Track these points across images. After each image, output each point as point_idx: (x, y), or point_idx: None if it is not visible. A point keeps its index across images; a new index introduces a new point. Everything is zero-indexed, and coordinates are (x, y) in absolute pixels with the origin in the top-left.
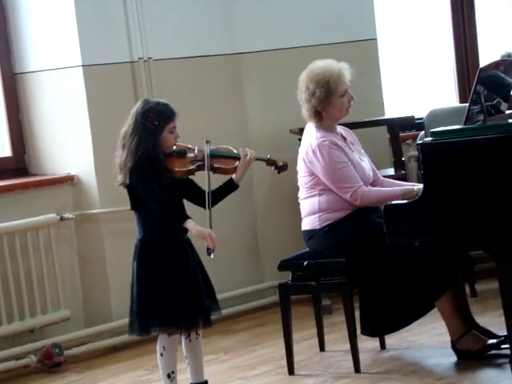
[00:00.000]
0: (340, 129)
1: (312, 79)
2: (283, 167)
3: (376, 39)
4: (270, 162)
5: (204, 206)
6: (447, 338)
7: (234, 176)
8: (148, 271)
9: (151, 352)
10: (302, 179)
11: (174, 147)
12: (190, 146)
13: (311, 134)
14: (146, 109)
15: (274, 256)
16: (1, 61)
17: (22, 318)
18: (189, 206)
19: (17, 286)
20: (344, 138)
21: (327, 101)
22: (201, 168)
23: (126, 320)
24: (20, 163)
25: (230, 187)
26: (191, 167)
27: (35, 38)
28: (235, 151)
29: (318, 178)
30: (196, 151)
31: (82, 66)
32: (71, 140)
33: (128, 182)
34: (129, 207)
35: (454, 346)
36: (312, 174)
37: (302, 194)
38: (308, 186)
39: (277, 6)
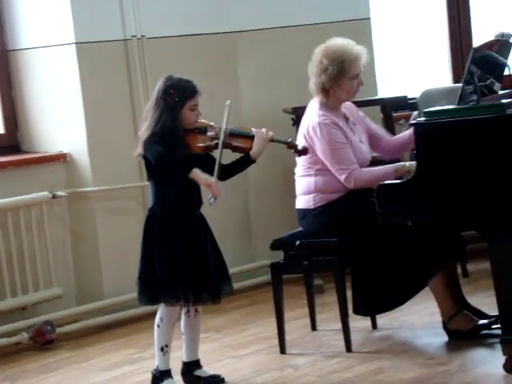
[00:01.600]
0: (343, 108)
1: (328, 55)
2: (304, 151)
3: (369, 18)
4: (290, 146)
5: (220, 179)
6: (438, 318)
7: (251, 151)
8: (153, 240)
9: (143, 330)
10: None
11: (196, 124)
12: (212, 123)
13: (313, 112)
14: (167, 85)
15: (266, 235)
16: None
17: (14, 295)
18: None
19: (9, 263)
20: (346, 119)
21: (337, 80)
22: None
23: (118, 298)
24: (12, 140)
25: (245, 161)
26: (209, 144)
27: (28, 15)
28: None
29: (317, 157)
30: (217, 129)
31: (76, 43)
32: (64, 118)
33: (142, 152)
34: (121, 185)
35: (445, 326)
36: (311, 152)
37: (298, 171)
38: (305, 164)
39: None
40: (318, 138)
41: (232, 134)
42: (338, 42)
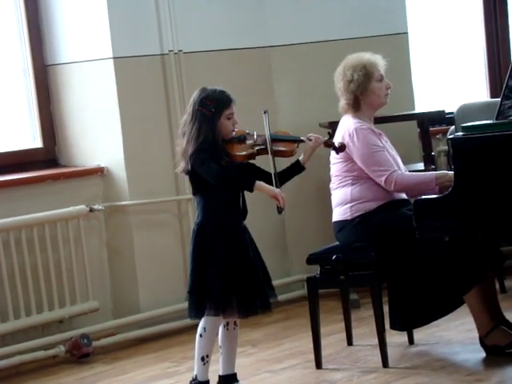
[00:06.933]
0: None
1: (348, 66)
2: (342, 147)
3: (407, 33)
4: (328, 144)
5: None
6: (476, 334)
7: (300, 158)
8: (204, 256)
9: (179, 344)
10: (336, 166)
11: (234, 133)
12: (248, 131)
13: (348, 121)
14: (202, 96)
15: (302, 249)
16: (32, 52)
17: (51, 309)
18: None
19: (46, 277)
20: (380, 134)
21: (366, 85)
22: (261, 152)
23: (154, 312)
24: (50, 154)
25: (296, 168)
26: (251, 151)
27: (67, 30)
28: (291, 134)
29: (353, 164)
30: (255, 136)
31: (113, 58)
32: (101, 132)
33: (189, 168)
34: (157, 199)
35: (482, 342)
36: (347, 159)
37: (333, 183)
38: (341, 174)
39: None
40: (355, 142)
41: (273, 140)
42: (353, 55)
